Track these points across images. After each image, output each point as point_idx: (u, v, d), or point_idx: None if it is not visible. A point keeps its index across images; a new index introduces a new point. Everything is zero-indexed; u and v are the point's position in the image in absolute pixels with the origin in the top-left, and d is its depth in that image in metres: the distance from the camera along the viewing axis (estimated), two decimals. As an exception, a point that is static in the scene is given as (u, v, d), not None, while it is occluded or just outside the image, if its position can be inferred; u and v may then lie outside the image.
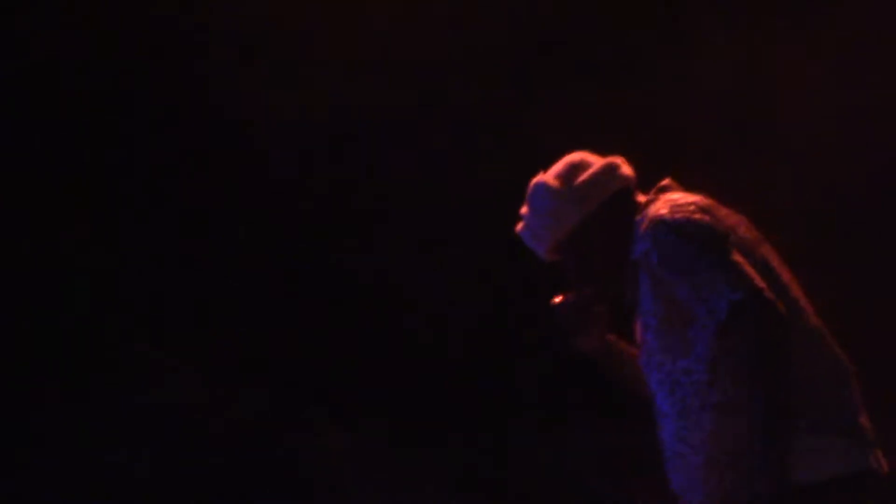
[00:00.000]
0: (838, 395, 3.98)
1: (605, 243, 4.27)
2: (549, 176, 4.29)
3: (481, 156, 7.35)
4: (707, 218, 4.09)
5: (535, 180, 4.29)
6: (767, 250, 4.13)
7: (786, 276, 4.08)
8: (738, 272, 3.94)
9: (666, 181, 4.30)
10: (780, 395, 3.84)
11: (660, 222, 4.07)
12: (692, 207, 4.11)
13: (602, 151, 4.35)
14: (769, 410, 3.83)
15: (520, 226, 4.35)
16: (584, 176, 4.24)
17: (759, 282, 3.93)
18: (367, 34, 7.15)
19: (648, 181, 4.32)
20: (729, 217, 4.15)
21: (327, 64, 7.15)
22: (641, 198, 4.31)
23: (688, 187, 4.23)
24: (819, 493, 3.88)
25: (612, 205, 4.25)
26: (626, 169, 4.31)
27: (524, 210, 4.32)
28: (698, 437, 4.00)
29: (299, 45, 7.16)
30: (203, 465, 6.80)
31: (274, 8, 7.08)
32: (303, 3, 7.09)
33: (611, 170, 4.29)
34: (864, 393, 4.01)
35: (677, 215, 4.09)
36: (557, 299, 4.37)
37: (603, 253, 4.27)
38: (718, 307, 3.89)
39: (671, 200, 4.17)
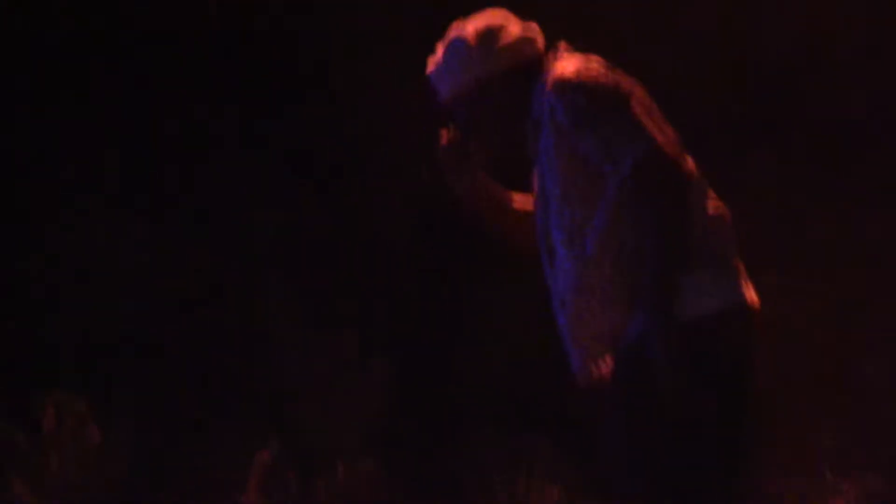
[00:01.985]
0: (720, 239, 4.25)
1: (504, 105, 4.45)
2: (469, 32, 4.45)
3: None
4: (610, 77, 4.29)
5: (456, 33, 4.48)
6: (660, 113, 4.32)
7: (676, 135, 4.27)
8: (643, 128, 4.15)
9: (562, 44, 4.45)
10: (678, 243, 4.12)
11: (567, 80, 4.25)
12: (595, 66, 4.30)
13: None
14: (668, 257, 4.11)
15: (430, 68, 4.49)
16: (501, 42, 4.43)
17: (662, 138, 4.17)
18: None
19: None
20: (628, 79, 4.32)
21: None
22: (544, 64, 4.47)
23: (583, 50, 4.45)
24: (705, 324, 4.18)
25: (518, 72, 4.43)
26: (540, 41, 4.46)
27: (438, 55, 4.49)
28: (597, 280, 4.23)
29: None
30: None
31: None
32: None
33: (529, 40, 4.45)
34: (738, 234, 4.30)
35: (583, 74, 4.26)
36: (445, 134, 4.54)
37: (501, 111, 4.46)
38: (624, 160, 4.11)
39: (574, 60, 4.36)
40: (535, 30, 4.45)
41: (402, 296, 7.89)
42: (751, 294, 4.24)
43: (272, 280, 7.34)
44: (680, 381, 4.17)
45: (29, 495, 6.74)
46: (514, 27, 4.44)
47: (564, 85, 4.25)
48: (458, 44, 4.43)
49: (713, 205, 4.28)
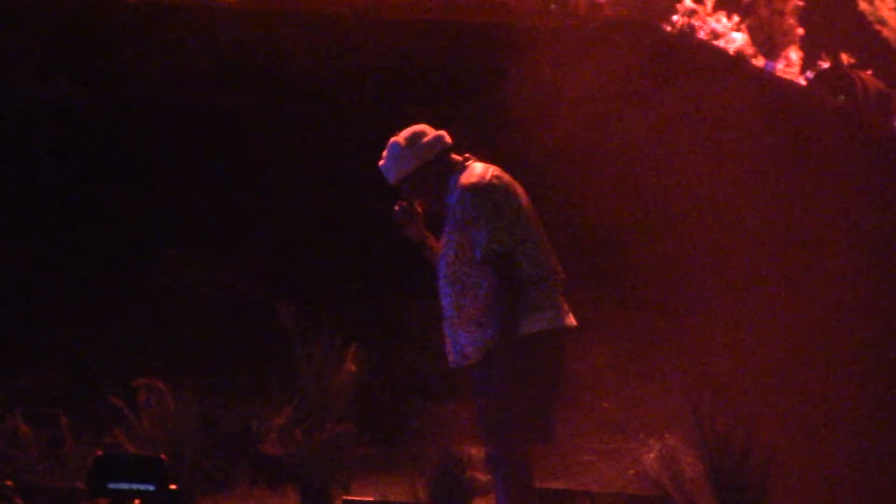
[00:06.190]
0: (550, 285, 5.51)
1: (429, 183, 5.46)
2: (400, 137, 5.43)
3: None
4: (495, 187, 5.30)
5: (392, 140, 5.41)
6: (529, 204, 5.50)
7: (534, 217, 5.51)
8: (501, 233, 5.26)
9: (468, 154, 5.54)
10: (511, 293, 5.31)
11: (468, 189, 5.31)
12: (489, 178, 5.33)
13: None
14: (508, 299, 5.35)
15: (381, 163, 5.50)
16: (422, 140, 5.41)
17: (508, 239, 5.26)
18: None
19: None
20: (513, 183, 5.43)
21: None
22: (457, 157, 5.43)
23: (485, 159, 5.51)
24: (536, 339, 5.41)
25: (436, 160, 5.43)
26: (448, 139, 5.44)
27: (384, 154, 5.48)
28: (467, 309, 5.46)
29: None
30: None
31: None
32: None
33: (439, 139, 5.42)
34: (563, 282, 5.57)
35: (478, 186, 5.29)
36: (397, 206, 5.58)
37: (427, 187, 5.47)
38: (482, 249, 5.35)
39: (477, 173, 5.33)
40: (444, 133, 5.43)
41: (370, 308, 9.01)
42: (569, 319, 5.53)
43: (286, 302, 8.19)
44: (512, 368, 5.24)
45: (128, 443, 7.79)
46: (430, 132, 5.42)
47: (466, 191, 5.30)
48: (394, 146, 5.42)
49: (550, 263, 5.53)
